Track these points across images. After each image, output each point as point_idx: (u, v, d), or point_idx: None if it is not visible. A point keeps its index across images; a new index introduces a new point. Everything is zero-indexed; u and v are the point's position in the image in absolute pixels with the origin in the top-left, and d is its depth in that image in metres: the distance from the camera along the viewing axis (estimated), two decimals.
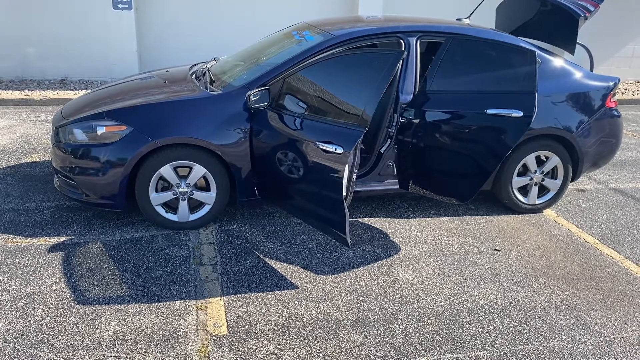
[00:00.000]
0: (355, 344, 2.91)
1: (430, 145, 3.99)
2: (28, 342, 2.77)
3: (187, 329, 2.95)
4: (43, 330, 2.87)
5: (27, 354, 2.70)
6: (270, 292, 3.32)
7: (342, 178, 3.31)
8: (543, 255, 3.97)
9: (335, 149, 3.31)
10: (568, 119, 4.47)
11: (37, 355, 2.69)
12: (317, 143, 3.41)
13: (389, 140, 4.20)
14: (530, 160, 4.50)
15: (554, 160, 4.55)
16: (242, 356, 2.78)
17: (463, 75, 3.95)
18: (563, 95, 4.48)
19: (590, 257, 3.99)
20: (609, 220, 4.67)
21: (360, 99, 3.41)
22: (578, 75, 4.56)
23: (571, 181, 4.70)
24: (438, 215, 4.54)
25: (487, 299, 3.38)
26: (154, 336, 2.88)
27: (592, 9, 4.54)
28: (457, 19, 4.93)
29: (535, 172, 4.56)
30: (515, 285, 3.55)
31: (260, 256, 3.73)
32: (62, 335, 2.84)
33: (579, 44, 4.68)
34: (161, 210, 3.96)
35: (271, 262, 3.66)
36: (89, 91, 5.98)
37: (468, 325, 3.11)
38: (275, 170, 3.77)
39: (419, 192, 4.19)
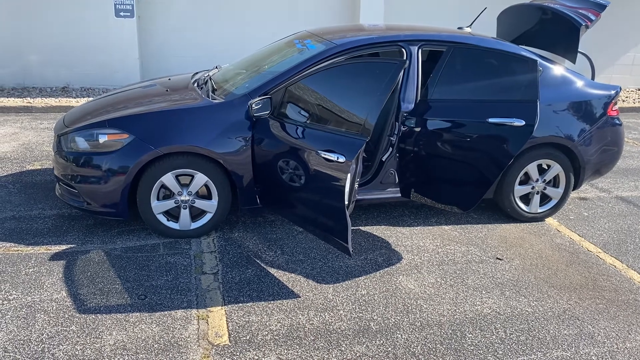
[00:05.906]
0: (358, 354, 2.89)
1: (431, 154, 3.99)
2: (29, 352, 2.76)
3: (189, 339, 2.93)
4: (44, 339, 2.86)
5: None
6: (272, 302, 3.31)
7: (343, 187, 3.30)
8: (545, 264, 3.96)
9: (337, 158, 3.31)
10: (569, 128, 4.47)
11: None
12: (319, 152, 3.41)
13: (390, 149, 4.21)
14: (532, 168, 4.50)
15: (556, 169, 4.54)
16: None
17: (464, 84, 3.95)
18: (564, 103, 4.49)
19: (592, 266, 3.98)
20: (611, 228, 4.66)
21: (362, 107, 3.42)
22: (579, 83, 4.57)
23: (573, 189, 4.70)
24: (440, 223, 4.53)
25: (489, 308, 3.37)
26: (155, 346, 2.86)
27: (593, 17, 4.56)
28: (459, 28, 4.94)
29: (537, 180, 4.55)
30: (518, 295, 3.53)
31: (262, 265, 3.73)
32: (62, 345, 2.83)
33: (581, 52, 4.69)
34: (163, 219, 3.95)
35: (273, 271, 3.65)
36: (91, 99, 5.99)
37: (470, 335, 3.10)
38: (277, 179, 3.76)
39: (420, 201, 4.19)
